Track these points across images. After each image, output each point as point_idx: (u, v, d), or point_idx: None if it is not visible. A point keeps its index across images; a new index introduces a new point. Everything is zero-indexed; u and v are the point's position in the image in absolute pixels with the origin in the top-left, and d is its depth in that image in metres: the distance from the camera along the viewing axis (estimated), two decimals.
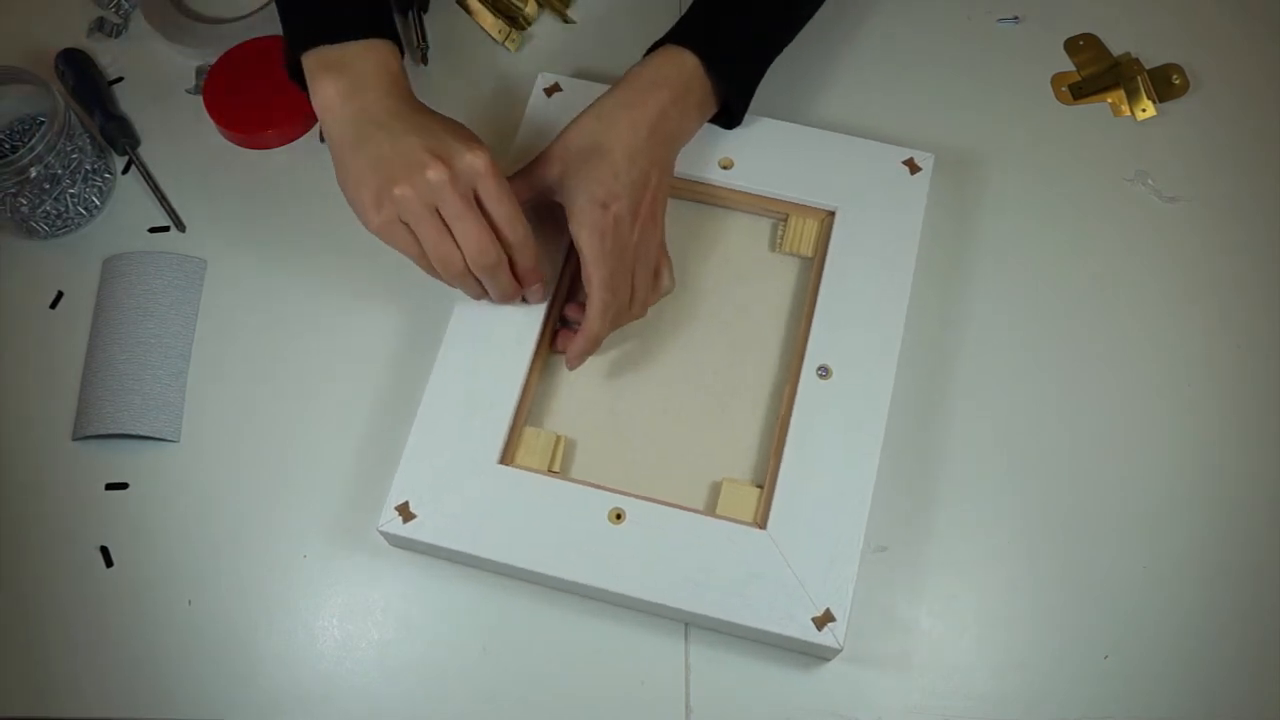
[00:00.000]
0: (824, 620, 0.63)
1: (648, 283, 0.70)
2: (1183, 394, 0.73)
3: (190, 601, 0.69)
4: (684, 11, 0.74)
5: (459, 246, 0.64)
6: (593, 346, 0.69)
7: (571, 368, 0.70)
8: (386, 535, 0.66)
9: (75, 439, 0.73)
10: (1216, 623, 0.67)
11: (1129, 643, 0.66)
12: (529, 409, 0.71)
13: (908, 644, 0.66)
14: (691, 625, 0.67)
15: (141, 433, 0.72)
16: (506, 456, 0.68)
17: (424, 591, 0.68)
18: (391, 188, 0.62)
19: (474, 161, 0.63)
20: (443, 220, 0.63)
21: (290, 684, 0.67)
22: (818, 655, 0.65)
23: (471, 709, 0.66)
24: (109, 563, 0.70)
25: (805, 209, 0.75)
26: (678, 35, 0.71)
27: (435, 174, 0.62)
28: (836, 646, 0.62)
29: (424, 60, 0.85)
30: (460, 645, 0.67)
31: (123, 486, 0.72)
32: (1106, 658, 0.66)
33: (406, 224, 0.63)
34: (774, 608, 0.63)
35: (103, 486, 0.72)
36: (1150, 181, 0.79)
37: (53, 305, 0.77)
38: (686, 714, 0.65)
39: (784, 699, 0.65)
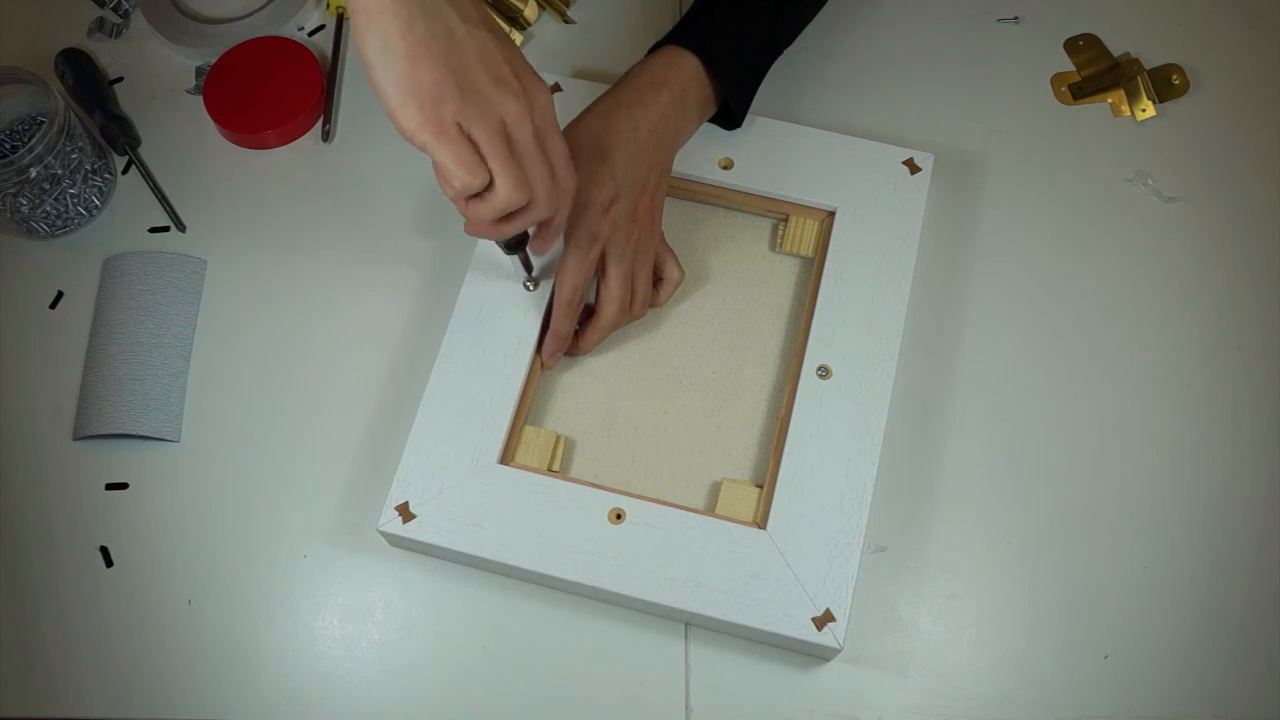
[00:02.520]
0: (824, 620, 0.63)
1: (647, 283, 0.70)
2: (1182, 394, 0.73)
3: (190, 601, 0.69)
4: (684, 12, 0.74)
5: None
6: (560, 345, 0.70)
7: (544, 364, 0.71)
8: (386, 535, 0.66)
9: (75, 439, 0.73)
10: (1216, 623, 0.67)
11: (1129, 643, 0.66)
12: (529, 408, 0.71)
13: (908, 644, 0.67)
14: (691, 625, 0.67)
15: (141, 433, 0.72)
16: (506, 456, 0.68)
17: (425, 591, 0.68)
18: (465, 93, 0.53)
19: (545, 99, 0.57)
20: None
21: (290, 684, 0.67)
22: (818, 655, 0.65)
23: (472, 709, 0.66)
24: (109, 563, 0.70)
25: (805, 209, 0.75)
26: (678, 36, 0.71)
27: (514, 101, 0.54)
28: (837, 646, 0.62)
29: None
30: (461, 645, 0.67)
31: (123, 486, 0.72)
32: (1106, 658, 0.66)
33: (467, 135, 0.54)
34: (774, 608, 0.63)
35: (103, 486, 0.72)
36: (1150, 181, 0.79)
37: (53, 305, 0.77)
38: (686, 714, 0.65)
39: (784, 699, 0.65)
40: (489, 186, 0.56)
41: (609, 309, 0.69)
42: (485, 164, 0.55)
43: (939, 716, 0.65)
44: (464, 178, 0.54)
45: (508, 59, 0.55)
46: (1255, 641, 0.67)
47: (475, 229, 0.64)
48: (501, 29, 0.57)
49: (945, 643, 0.67)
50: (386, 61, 0.52)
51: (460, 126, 0.53)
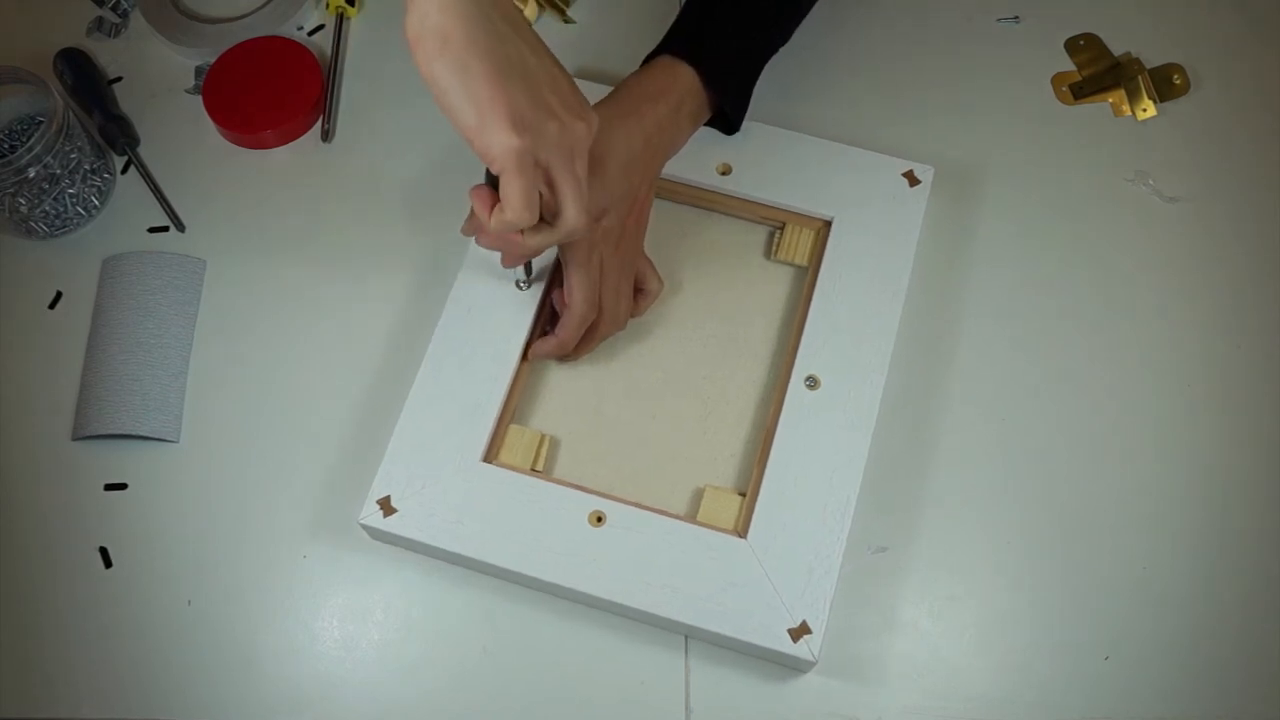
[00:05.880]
0: (800, 632, 0.62)
1: (629, 294, 0.70)
2: (1183, 394, 0.73)
3: (190, 601, 0.69)
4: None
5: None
6: (561, 351, 0.70)
7: (532, 357, 0.71)
8: (367, 529, 0.66)
9: (75, 439, 0.73)
10: (1216, 623, 0.67)
11: (1129, 643, 0.66)
12: (515, 407, 0.71)
13: (908, 644, 0.66)
14: (689, 634, 0.67)
15: (141, 433, 0.72)
16: (490, 454, 0.68)
17: (424, 592, 0.68)
18: (545, 117, 0.54)
19: (597, 124, 0.59)
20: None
21: (290, 684, 0.67)
22: (794, 667, 0.65)
23: (472, 709, 0.66)
24: (108, 563, 0.70)
25: (802, 218, 0.75)
26: (673, 45, 0.71)
27: (584, 126, 0.56)
28: (812, 659, 0.62)
29: None
30: (461, 645, 0.67)
31: (122, 487, 0.72)
32: (1107, 658, 0.66)
33: (540, 164, 0.56)
34: (751, 618, 0.63)
35: (102, 487, 0.72)
36: (1150, 181, 0.79)
37: (52, 305, 0.77)
38: (686, 715, 0.65)
39: (784, 700, 0.65)
40: (554, 212, 0.58)
41: (600, 322, 0.69)
42: (534, 187, 0.56)
43: (939, 717, 0.65)
44: (521, 217, 0.56)
45: (570, 87, 0.57)
46: (1255, 641, 0.66)
47: (474, 233, 0.64)
48: (555, 57, 0.59)
49: (945, 643, 0.67)
50: (465, 85, 0.53)
51: (536, 158, 0.55)
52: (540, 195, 0.57)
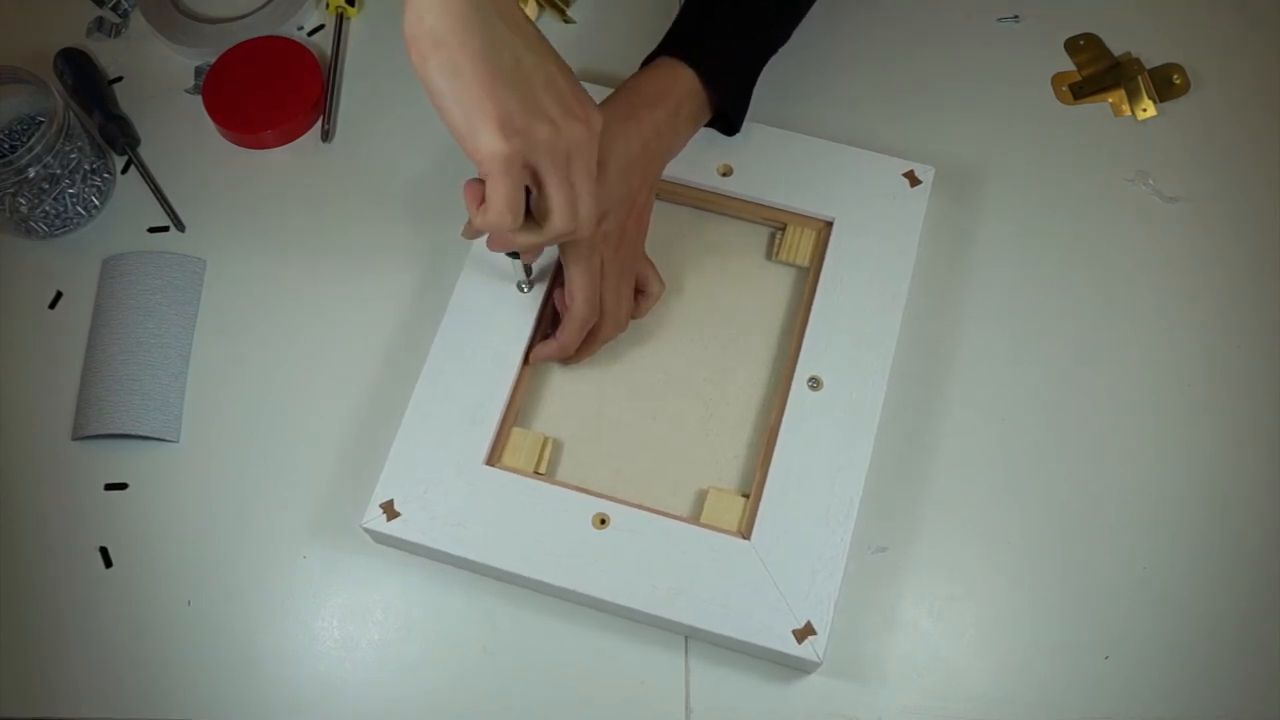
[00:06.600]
0: (804, 633, 0.62)
1: (630, 296, 0.70)
2: (1183, 394, 0.73)
3: (190, 602, 0.69)
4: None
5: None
6: (563, 354, 0.70)
7: (533, 360, 0.71)
8: (370, 533, 0.66)
9: (75, 439, 0.73)
10: (1216, 623, 0.67)
11: (1129, 643, 0.66)
12: (518, 410, 0.71)
13: (908, 644, 0.66)
14: (690, 635, 0.67)
15: (141, 433, 0.72)
16: (493, 457, 0.68)
17: (424, 592, 0.68)
18: (536, 120, 0.54)
19: (600, 126, 0.58)
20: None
21: (290, 684, 0.67)
22: (797, 668, 0.65)
23: (472, 709, 0.66)
24: (108, 563, 0.70)
25: (803, 218, 0.75)
26: (673, 46, 0.71)
27: (582, 128, 0.56)
28: (816, 660, 0.62)
29: None
30: (461, 646, 0.67)
31: (122, 487, 0.72)
32: (1107, 658, 0.66)
33: (529, 167, 0.55)
34: (755, 619, 0.63)
35: (102, 487, 0.72)
36: (1150, 181, 0.79)
37: (52, 305, 0.77)
38: (687, 715, 0.65)
39: (784, 700, 0.65)
40: (543, 214, 0.58)
41: (601, 324, 0.69)
42: (525, 209, 0.56)
43: (939, 716, 0.65)
44: (502, 220, 0.56)
45: (570, 87, 0.57)
46: (1255, 641, 0.67)
47: (473, 235, 0.64)
48: (560, 57, 0.58)
49: (945, 643, 0.67)
50: (456, 87, 0.53)
51: (525, 162, 0.55)
52: (530, 194, 0.57)
